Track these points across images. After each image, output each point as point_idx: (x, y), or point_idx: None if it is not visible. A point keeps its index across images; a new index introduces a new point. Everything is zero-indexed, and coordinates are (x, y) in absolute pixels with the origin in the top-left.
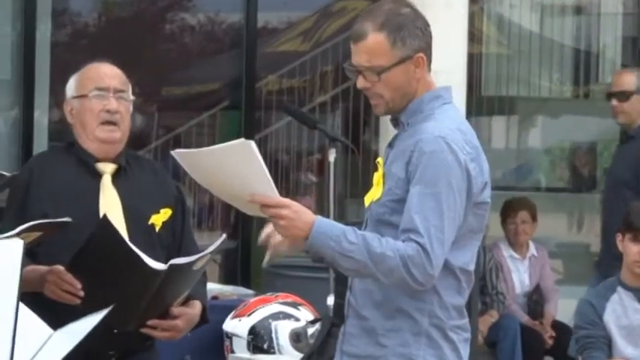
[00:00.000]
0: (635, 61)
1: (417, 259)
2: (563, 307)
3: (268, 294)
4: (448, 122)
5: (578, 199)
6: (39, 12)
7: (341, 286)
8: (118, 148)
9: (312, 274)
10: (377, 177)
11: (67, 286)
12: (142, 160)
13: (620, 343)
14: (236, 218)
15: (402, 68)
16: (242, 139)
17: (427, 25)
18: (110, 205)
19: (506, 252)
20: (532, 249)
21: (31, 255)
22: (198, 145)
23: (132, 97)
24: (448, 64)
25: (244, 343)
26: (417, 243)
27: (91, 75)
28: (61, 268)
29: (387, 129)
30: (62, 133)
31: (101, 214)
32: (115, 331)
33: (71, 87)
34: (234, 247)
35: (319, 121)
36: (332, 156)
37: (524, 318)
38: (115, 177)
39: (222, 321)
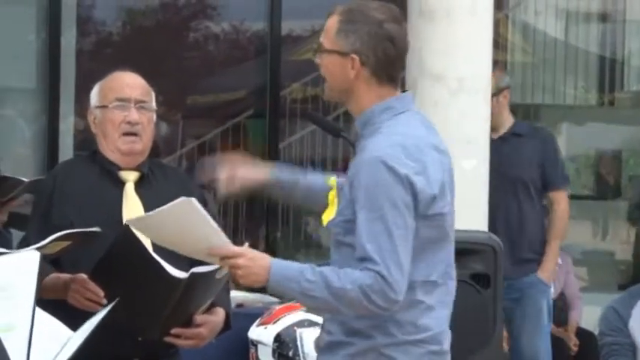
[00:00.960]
0: None
1: (375, 286)
2: (588, 315)
3: (293, 301)
4: (391, 137)
5: (602, 206)
6: (64, 20)
7: None
8: (139, 158)
9: None
10: (331, 196)
11: (90, 294)
12: (166, 167)
13: None
14: (261, 225)
15: (337, 59)
16: (182, 198)
17: (387, 41)
18: (133, 213)
19: None
20: None
21: (54, 262)
22: (223, 154)
23: (154, 107)
24: (473, 72)
25: (269, 350)
26: (374, 271)
27: (113, 85)
28: (84, 276)
29: None
30: (87, 141)
31: (124, 222)
32: (139, 339)
33: (94, 96)
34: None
35: (343, 129)
36: None
37: None
38: (138, 185)
39: (248, 329)
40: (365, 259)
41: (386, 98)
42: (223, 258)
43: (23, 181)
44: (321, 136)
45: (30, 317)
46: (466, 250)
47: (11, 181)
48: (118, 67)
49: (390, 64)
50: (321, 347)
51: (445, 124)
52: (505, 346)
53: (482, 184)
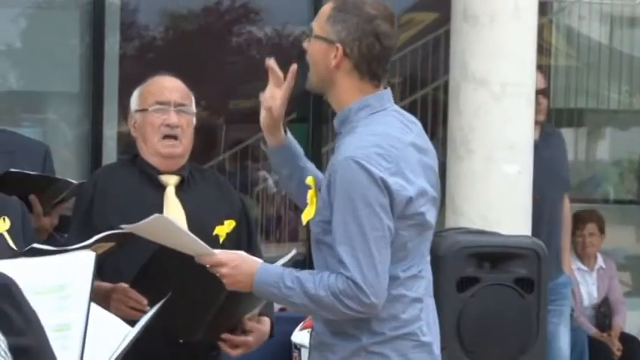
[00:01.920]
0: None
1: (349, 292)
2: (631, 320)
3: None
4: (366, 137)
5: None
6: (107, 25)
7: None
8: (180, 161)
9: None
10: (310, 195)
11: (132, 302)
12: (206, 172)
13: None
14: (303, 230)
15: (322, 46)
16: (155, 215)
17: (371, 36)
18: (174, 216)
19: (574, 264)
20: (600, 261)
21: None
22: (266, 158)
23: (194, 110)
24: (517, 76)
25: None
26: (346, 277)
27: (152, 89)
28: (125, 285)
29: (454, 141)
30: (130, 145)
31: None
32: (181, 341)
33: (134, 101)
34: (302, 259)
35: None
36: None
37: (592, 330)
38: (179, 189)
39: (291, 332)
40: (340, 262)
41: (365, 95)
42: (209, 266)
43: (73, 183)
44: None
45: (85, 317)
46: (510, 255)
47: (61, 183)
48: (160, 72)
49: (373, 59)
50: (312, 346)
51: (488, 128)
52: None
53: (525, 189)
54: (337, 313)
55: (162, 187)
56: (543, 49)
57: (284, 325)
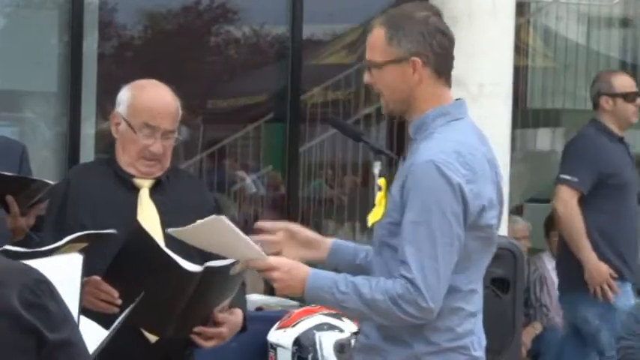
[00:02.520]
0: None
1: (407, 296)
2: None
3: (312, 305)
4: (445, 143)
5: None
6: (86, 24)
7: None
8: (156, 175)
9: None
10: (379, 197)
11: (104, 295)
12: (180, 172)
13: None
14: None
15: (396, 69)
16: (213, 216)
17: (438, 33)
18: (148, 218)
19: (549, 264)
20: None
21: None
22: (243, 157)
23: (179, 137)
24: (495, 77)
25: (289, 354)
26: (406, 279)
27: (145, 106)
28: (97, 278)
29: None
30: (108, 144)
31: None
32: (154, 340)
33: (123, 103)
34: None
35: (363, 133)
36: (376, 168)
37: None
38: (153, 190)
39: (267, 332)
40: (402, 263)
41: (443, 101)
42: (259, 271)
43: (49, 183)
44: (341, 140)
45: (75, 318)
46: None
47: (38, 184)
48: (139, 71)
49: (447, 55)
50: (357, 349)
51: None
52: (523, 351)
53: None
54: (393, 319)
55: (136, 189)
56: (521, 49)
57: (260, 324)
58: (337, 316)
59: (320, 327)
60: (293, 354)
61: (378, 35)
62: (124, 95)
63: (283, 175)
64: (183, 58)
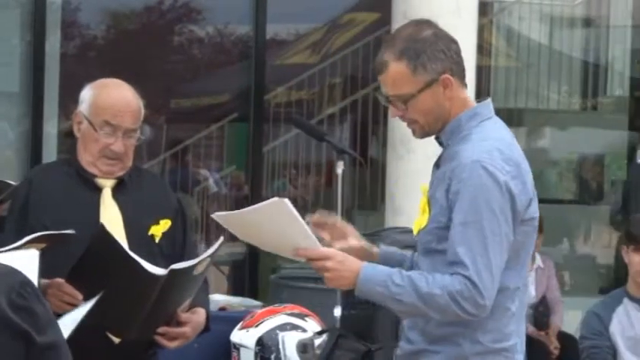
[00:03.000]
0: None
1: (465, 292)
2: (570, 319)
3: (275, 305)
4: (485, 142)
5: (585, 211)
6: (48, 24)
7: (348, 297)
8: (117, 175)
9: (319, 285)
10: (422, 204)
11: (67, 297)
12: (143, 171)
13: (625, 354)
14: None
15: (428, 93)
16: (276, 198)
17: (451, 43)
18: (110, 217)
19: None
20: (538, 260)
21: None
22: (207, 157)
23: (140, 136)
24: None
25: (252, 354)
26: (464, 276)
27: (105, 105)
28: (60, 280)
29: (394, 141)
30: (71, 144)
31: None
32: (117, 341)
33: (85, 102)
34: (241, 259)
35: (327, 133)
36: (340, 168)
37: (530, 329)
38: (115, 190)
39: (230, 332)
40: (456, 263)
41: (470, 103)
42: (311, 260)
43: (11, 184)
44: (304, 140)
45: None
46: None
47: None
48: (102, 71)
49: (462, 60)
50: (399, 356)
51: None
52: None
53: None
54: (448, 314)
55: (98, 188)
56: (484, 49)
57: (223, 324)
58: (300, 316)
59: (283, 327)
60: (256, 354)
61: (398, 69)
62: (86, 94)
63: (247, 175)
64: (146, 58)
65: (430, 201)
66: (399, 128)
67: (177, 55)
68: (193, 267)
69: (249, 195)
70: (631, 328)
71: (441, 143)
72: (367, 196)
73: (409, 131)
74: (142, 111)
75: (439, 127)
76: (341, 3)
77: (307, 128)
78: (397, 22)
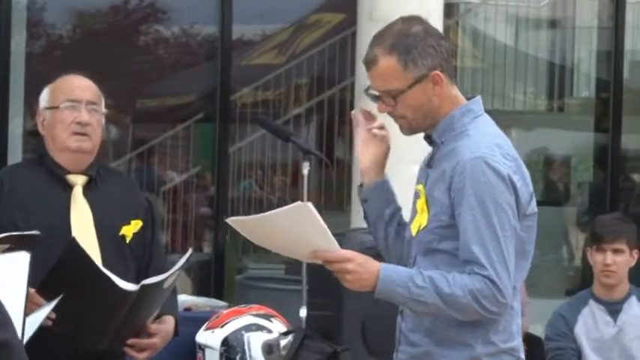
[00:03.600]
0: (609, 75)
1: (486, 291)
2: (536, 320)
3: (241, 306)
4: (484, 138)
5: (551, 212)
6: (14, 23)
7: (313, 298)
8: (88, 159)
9: (284, 285)
10: (420, 204)
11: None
12: (113, 171)
13: (591, 356)
14: (209, 229)
15: (418, 88)
16: (299, 202)
17: (441, 39)
18: (81, 216)
19: None
20: None
21: None
22: (172, 157)
23: (104, 110)
24: None
25: (217, 354)
26: (482, 275)
27: (63, 87)
28: (31, 290)
29: None
30: (37, 144)
31: (72, 226)
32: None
33: (44, 98)
34: (207, 260)
35: (293, 133)
36: (305, 169)
37: None
38: (86, 189)
39: (195, 333)
40: (472, 262)
41: (460, 100)
42: (329, 262)
43: None
44: (270, 140)
45: (21, 319)
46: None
47: None
48: (68, 70)
49: (450, 57)
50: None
51: (395, 128)
52: None
53: None
54: (469, 314)
55: (69, 187)
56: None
57: (188, 325)
58: (266, 316)
59: (248, 328)
60: (221, 355)
61: (388, 64)
62: (44, 92)
63: (213, 176)
64: (112, 58)
65: (428, 201)
66: None
67: (143, 55)
68: (163, 281)
69: (216, 195)
70: (596, 329)
71: (431, 142)
72: (333, 197)
73: None
74: (101, 95)
75: (427, 123)
76: (307, 4)
77: (273, 129)
78: (362, 23)
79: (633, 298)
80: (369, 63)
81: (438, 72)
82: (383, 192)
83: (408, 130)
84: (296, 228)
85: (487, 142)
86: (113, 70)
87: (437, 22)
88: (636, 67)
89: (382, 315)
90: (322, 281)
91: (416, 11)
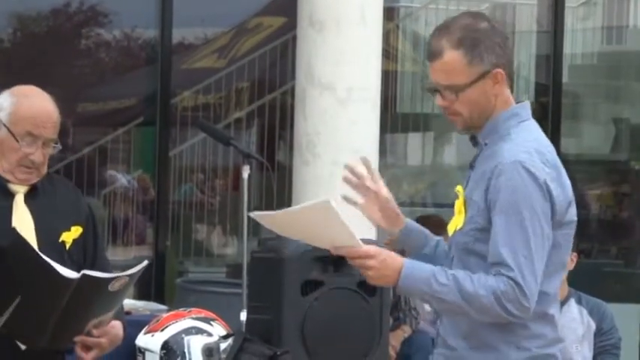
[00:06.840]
0: (548, 79)
1: (510, 294)
2: None
3: (181, 309)
4: (525, 143)
5: None
6: None
7: (253, 301)
8: (32, 182)
9: (225, 289)
10: (458, 205)
11: None
12: (55, 178)
13: None
14: (150, 233)
15: (480, 85)
16: (322, 199)
17: (506, 39)
18: (22, 223)
19: None
20: None
21: None
22: (113, 161)
23: (58, 146)
24: (363, 81)
25: (157, 358)
26: (509, 277)
27: (28, 115)
28: None
29: (300, 146)
30: None
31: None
32: (23, 348)
33: (4, 110)
34: (149, 262)
35: (233, 137)
36: (245, 172)
37: (434, 332)
38: (28, 196)
39: (135, 336)
40: (499, 264)
41: (511, 103)
42: (352, 257)
43: None
44: (211, 144)
45: None
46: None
47: None
48: (8, 74)
49: (511, 55)
50: None
51: (333, 133)
52: (392, 353)
53: None
54: (490, 315)
55: (11, 194)
56: (390, 54)
57: (129, 328)
58: (206, 320)
59: (188, 331)
60: (161, 358)
61: (453, 58)
62: (6, 101)
63: (153, 179)
64: (52, 61)
65: (467, 202)
66: (305, 134)
67: (84, 58)
68: (108, 281)
69: (156, 199)
70: None
71: (475, 143)
72: (274, 201)
73: (315, 137)
74: (59, 116)
75: (482, 122)
76: (248, 8)
77: (213, 132)
78: (303, 26)
79: (572, 301)
80: (434, 54)
81: (500, 70)
82: (411, 235)
83: (463, 126)
84: (319, 223)
85: (527, 147)
86: (54, 73)
87: (376, 25)
88: (575, 71)
89: (321, 318)
90: (262, 285)
91: (356, 14)
